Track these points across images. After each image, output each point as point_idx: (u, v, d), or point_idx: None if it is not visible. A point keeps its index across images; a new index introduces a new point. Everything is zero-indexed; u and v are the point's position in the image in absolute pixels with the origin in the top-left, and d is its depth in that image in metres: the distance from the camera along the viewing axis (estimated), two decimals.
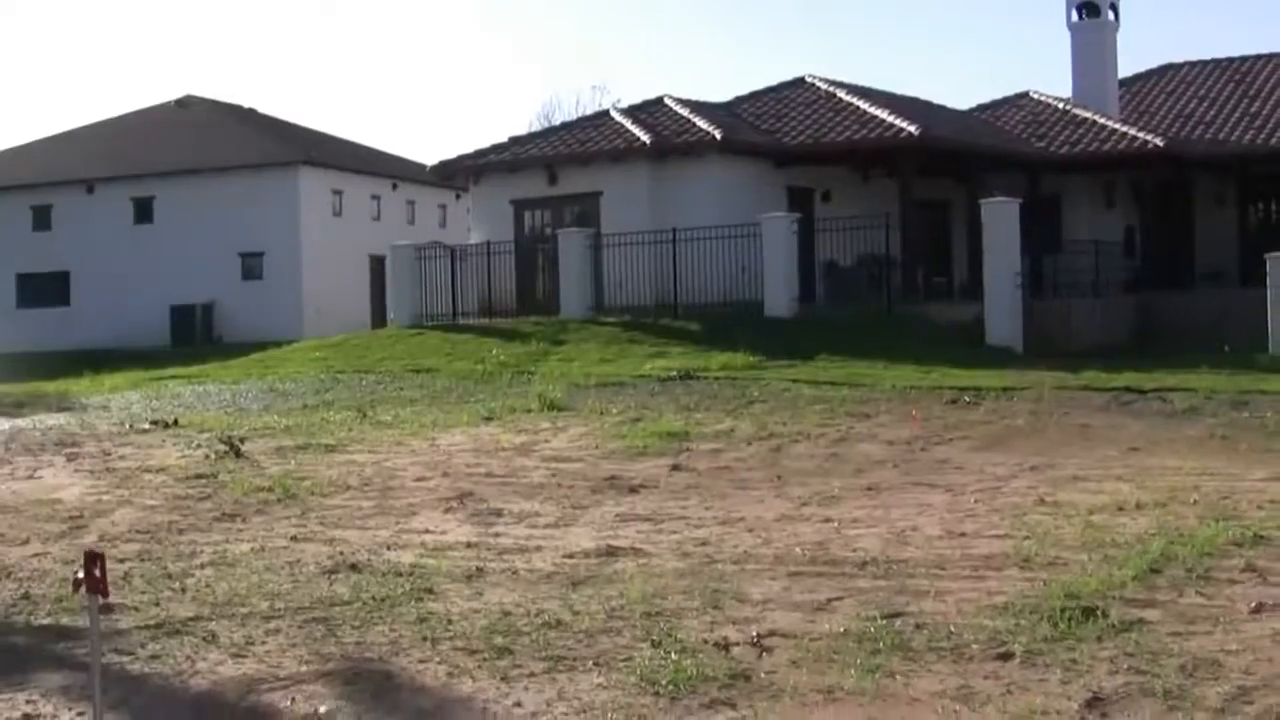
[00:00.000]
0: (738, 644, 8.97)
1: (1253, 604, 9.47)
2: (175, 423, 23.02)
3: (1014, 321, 31.26)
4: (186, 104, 63.04)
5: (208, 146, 56.37)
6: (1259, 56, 47.50)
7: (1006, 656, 8.49)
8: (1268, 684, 7.85)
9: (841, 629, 9.20)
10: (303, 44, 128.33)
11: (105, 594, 7.12)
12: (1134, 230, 42.25)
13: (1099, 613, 9.24)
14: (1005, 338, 30.83)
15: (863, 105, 38.44)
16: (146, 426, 22.85)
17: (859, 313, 32.26)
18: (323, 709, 8.11)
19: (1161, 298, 36.93)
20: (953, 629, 9.07)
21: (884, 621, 9.30)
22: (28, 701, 8.44)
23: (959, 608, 9.65)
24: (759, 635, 9.13)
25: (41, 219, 57.73)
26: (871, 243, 34.51)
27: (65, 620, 10.40)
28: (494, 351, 30.49)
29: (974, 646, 8.70)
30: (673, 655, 8.67)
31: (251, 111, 63.86)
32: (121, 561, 12.07)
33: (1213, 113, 43.86)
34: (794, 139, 37.94)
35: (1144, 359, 27.82)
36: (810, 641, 8.96)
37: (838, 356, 27.92)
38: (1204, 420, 19.55)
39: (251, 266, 54.24)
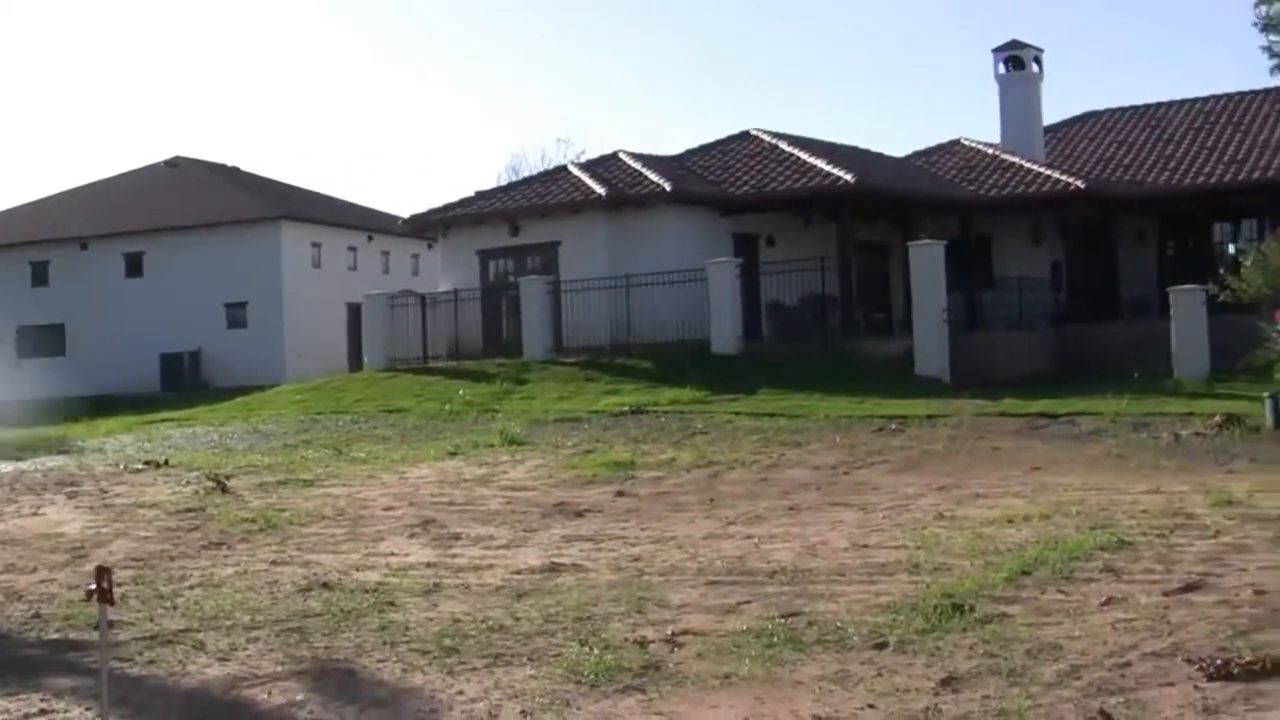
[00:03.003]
0: (654, 641, 9.95)
1: (1103, 598, 10.45)
2: (166, 463, 23.78)
3: (941, 354, 32.24)
4: (175, 164, 63.84)
5: (195, 204, 57.20)
6: (1173, 103, 48.58)
7: (882, 646, 9.47)
8: (1097, 662, 8.83)
9: (745, 627, 10.17)
10: (284, 105, 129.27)
11: (112, 602, 8.00)
12: (1060, 266, 43.16)
13: (967, 608, 10.21)
14: (934, 369, 31.80)
15: (803, 156, 39.40)
16: (140, 466, 23.62)
17: (800, 349, 33.16)
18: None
19: (1084, 329, 37.83)
20: (839, 625, 10.06)
21: (782, 620, 10.28)
22: (42, 700, 9.39)
23: (849, 608, 10.62)
24: (673, 634, 10.10)
25: (39, 274, 58.49)
26: (813, 283, 35.56)
27: (72, 635, 11.35)
28: (461, 392, 31.29)
29: (855, 639, 9.68)
30: (596, 651, 9.66)
31: (236, 170, 64.65)
32: (119, 585, 12.92)
33: (1131, 156, 44.95)
34: (740, 189, 38.90)
35: (1063, 386, 28.70)
36: (717, 638, 9.94)
37: (779, 390, 28.76)
38: (1105, 441, 20.52)
39: (236, 316, 55.05)
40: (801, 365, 31.17)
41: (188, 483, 20.81)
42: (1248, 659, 8.57)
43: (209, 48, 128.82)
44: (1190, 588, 10.68)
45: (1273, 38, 23.25)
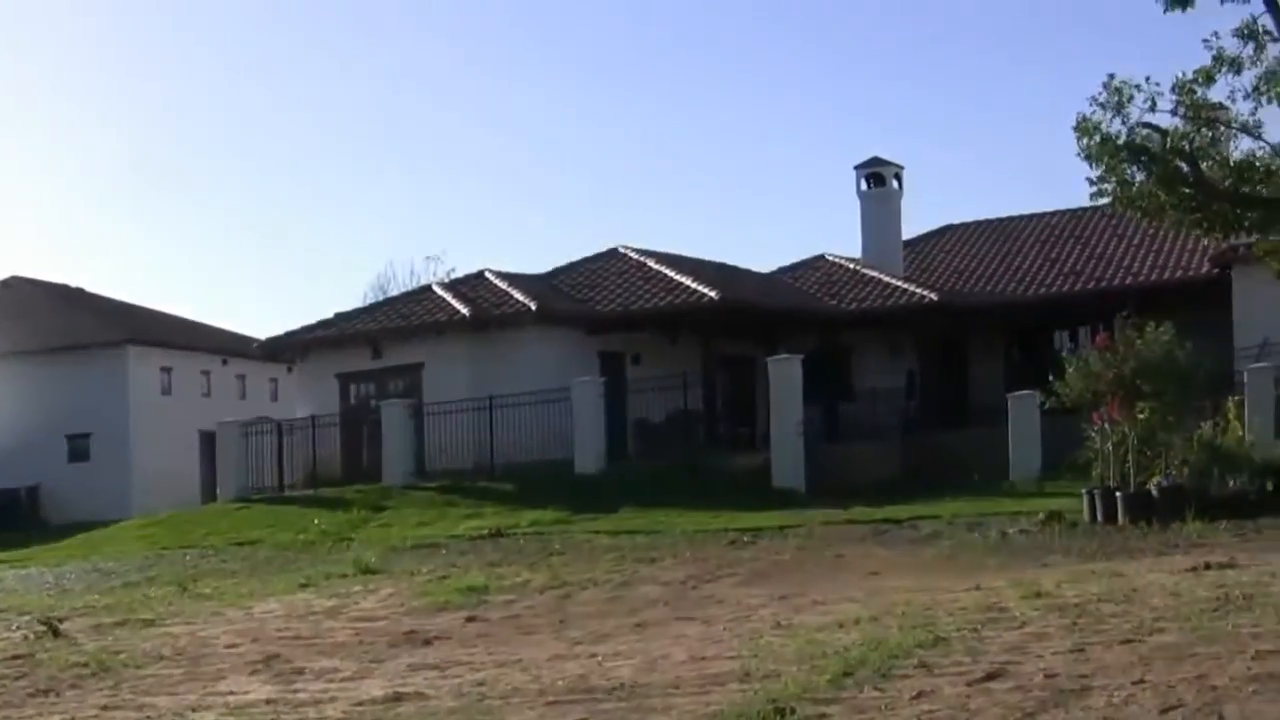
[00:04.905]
0: None
1: (915, 692, 11.09)
2: None
3: (796, 466, 33.22)
4: (10, 285, 62.06)
5: (33, 327, 55.80)
6: (1021, 216, 51.09)
7: None
8: None
9: None
10: (132, 224, 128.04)
11: None
12: (915, 375, 44.60)
13: (789, 711, 10.73)
14: (789, 481, 32.78)
15: (669, 273, 40.54)
16: None
17: (664, 465, 33.95)
18: None
19: (935, 436, 38.98)
20: None
21: None
22: None
23: (680, 718, 11.17)
24: None
25: None
26: (679, 400, 36.42)
27: None
28: (316, 521, 31.58)
29: None
30: None
31: (79, 291, 62.91)
32: None
33: (983, 268, 47.06)
34: (607, 306, 39.97)
35: (911, 493, 29.87)
36: None
37: (640, 508, 29.51)
38: (941, 543, 21.82)
39: (78, 448, 53.99)
40: (664, 482, 31.90)
41: (17, 627, 20.47)
42: None
43: (40, 166, 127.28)
44: (991, 676, 11.29)
45: (1094, 169, 24.55)
